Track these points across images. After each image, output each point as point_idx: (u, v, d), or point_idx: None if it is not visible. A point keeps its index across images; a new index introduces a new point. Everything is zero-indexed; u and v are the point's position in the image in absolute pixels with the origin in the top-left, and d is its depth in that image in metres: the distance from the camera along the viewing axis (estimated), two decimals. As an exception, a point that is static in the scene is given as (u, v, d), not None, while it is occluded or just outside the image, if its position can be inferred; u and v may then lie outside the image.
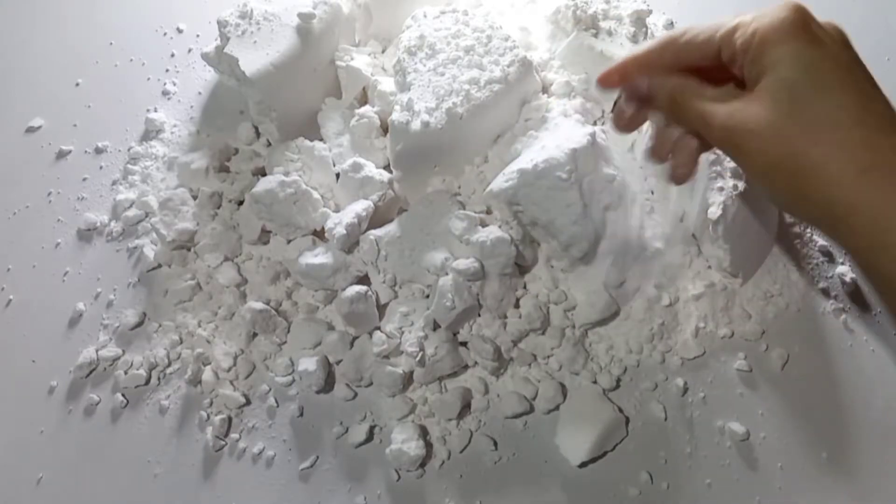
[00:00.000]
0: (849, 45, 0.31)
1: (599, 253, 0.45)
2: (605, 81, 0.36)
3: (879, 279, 0.29)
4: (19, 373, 0.47)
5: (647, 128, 0.43)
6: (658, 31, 0.62)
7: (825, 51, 0.30)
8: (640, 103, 0.35)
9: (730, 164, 0.45)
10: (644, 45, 0.35)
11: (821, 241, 0.51)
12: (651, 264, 0.47)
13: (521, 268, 0.46)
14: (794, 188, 0.29)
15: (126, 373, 0.46)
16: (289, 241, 0.48)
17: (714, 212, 0.44)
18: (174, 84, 0.59)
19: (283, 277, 0.48)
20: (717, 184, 0.45)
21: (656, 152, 0.37)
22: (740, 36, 0.30)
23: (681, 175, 0.37)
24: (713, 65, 0.32)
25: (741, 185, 0.45)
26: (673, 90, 0.33)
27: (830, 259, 0.51)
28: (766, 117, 0.29)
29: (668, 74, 0.33)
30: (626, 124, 0.36)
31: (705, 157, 0.44)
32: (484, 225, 0.45)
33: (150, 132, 0.56)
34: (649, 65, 0.34)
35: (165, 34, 0.62)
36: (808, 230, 0.51)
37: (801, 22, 0.30)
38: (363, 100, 0.53)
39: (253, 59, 0.47)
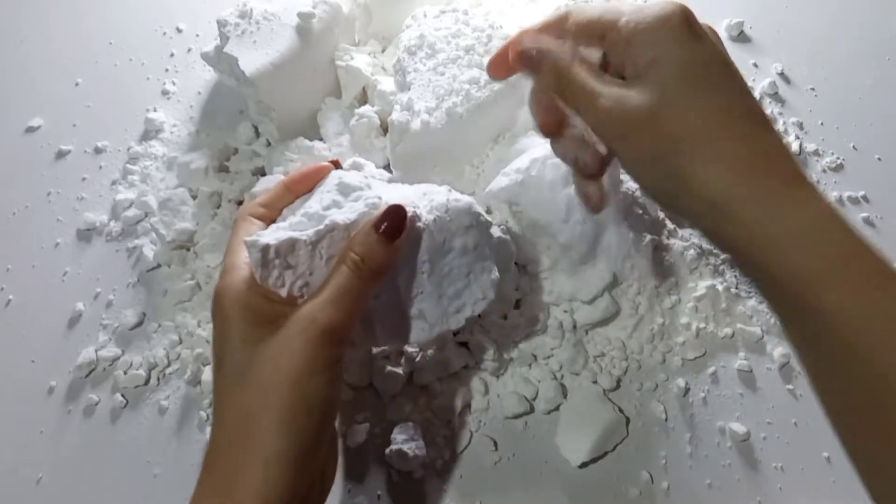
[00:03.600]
0: (723, 46, 0.31)
1: (599, 253, 0.45)
2: (494, 69, 0.36)
3: (760, 272, 0.28)
4: (19, 373, 0.47)
5: None
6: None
7: (706, 48, 0.30)
8: (530, 70, 0.34)
9: None
10: (536, 21, 0.35)
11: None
12: (651, 263, 0.47)
13: (521, 267, 0.46)
14: (675, 182, 0.29)
15: (125, 373, 0.46)
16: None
17: None
18: (174, 84, 0.59)
19: (283, 277, 0.48)
20: None
21: (545, 126, 0.35)
22: (624, 26, 0.30)
23: (595, 206, 0.37)
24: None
25: None
26: (560, 58, 0.32)
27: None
28: (651, 109, 0.29)
29: (559, 42, 0.33)
30: (547, 122, 0.35)
31: None
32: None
33: (150, 132, 0.56)
34: (538, 37, 0.34)
35: (165, 34, 0.62)
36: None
37: (685, 19, 0.30)
38: (363, 99, 0.53)
39: (252, 59, 0.47)
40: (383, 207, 0.33)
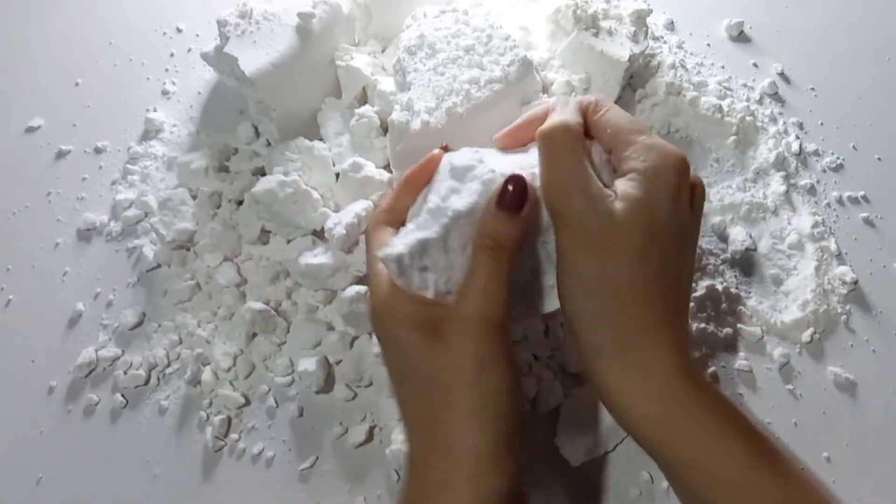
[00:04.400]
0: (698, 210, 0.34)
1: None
2: (504, 142, 0.37)
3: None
4: (19, 373, 0.47)
5: None
6: (658, 31, 0.62)
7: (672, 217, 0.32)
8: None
9: None
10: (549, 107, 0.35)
11: (822, 243, 0.51)
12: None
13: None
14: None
15: (125, 373, 0.46)
16: (288, 241, 0.48)
17: None
18: (174, 84, 0.59)
19: (283, 277, 0.48)
20: None
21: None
22: (634, 155, 0.32)
23: None
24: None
25: None
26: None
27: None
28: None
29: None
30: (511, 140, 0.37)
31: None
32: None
33: (150, 132, 0.56)
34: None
35: (165, 34, 0.62)
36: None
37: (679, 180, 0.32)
38: (363, 99, 0.53)
39: (252, 59, 0.47)
40: (500, 181, 0.32)
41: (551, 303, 0.35)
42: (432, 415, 0.31)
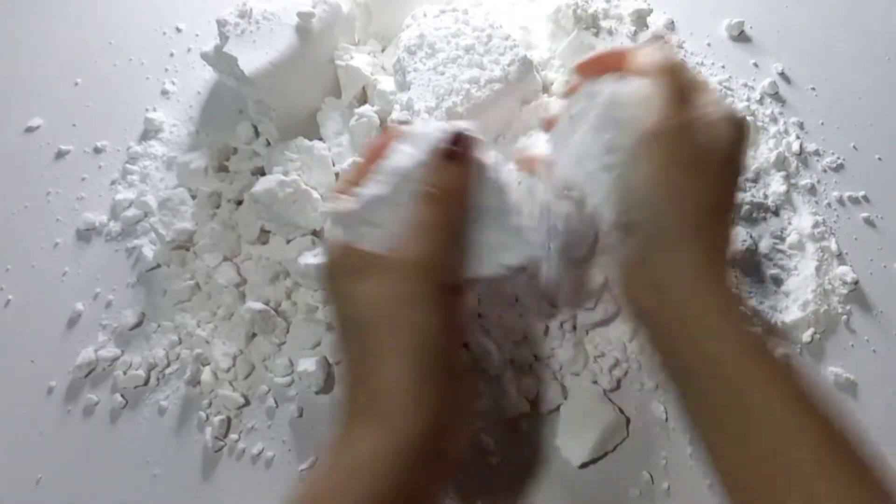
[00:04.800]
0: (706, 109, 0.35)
1: (598, 252, 0.45)
2: (584, 69, 0.38)
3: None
4: (18, 373, 0.47)
5: None
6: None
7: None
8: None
9: None
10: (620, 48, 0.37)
11: (822, 243, 0.51)
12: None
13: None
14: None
15: (125, 373, 0.46)
16: (288, 241, 0.48)
17: None
18: (173, 83, 0.59)
19: (283, 277, 0.48)
20: None
21: None
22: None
23: None
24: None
25: None
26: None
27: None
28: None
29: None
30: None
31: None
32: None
33: (149, 132, 0.56)
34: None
35: (164, 34, 0.62)
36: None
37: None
38: (363, 99, 0.53)
39: (252, 59, 0.47)
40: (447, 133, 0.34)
41: (511, 256, 0.35)
42: (362, 355, 0.32)
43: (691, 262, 0.31)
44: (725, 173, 0.33)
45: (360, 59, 0.52)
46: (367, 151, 0.38)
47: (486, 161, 0.35)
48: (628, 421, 0.45)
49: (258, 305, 0.46)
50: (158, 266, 0.50)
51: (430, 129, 0.35)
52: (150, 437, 0.45)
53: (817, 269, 0.50)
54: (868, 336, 0.48)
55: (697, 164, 0.32)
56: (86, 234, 0.52)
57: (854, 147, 0.57)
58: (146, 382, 0.46)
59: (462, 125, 0.34)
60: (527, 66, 0.46)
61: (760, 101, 0.59)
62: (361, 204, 0.33)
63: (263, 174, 0.51)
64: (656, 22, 0.62)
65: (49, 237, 0.52)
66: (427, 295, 0.31)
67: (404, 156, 0.34)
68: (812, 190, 0.55)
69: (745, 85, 0.60)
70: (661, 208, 0.32)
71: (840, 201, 0.55)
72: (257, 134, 0.53)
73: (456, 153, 0.33)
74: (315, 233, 0.48)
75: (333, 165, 0.49)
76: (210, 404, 0.45)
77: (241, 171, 0.52)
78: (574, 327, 0.46)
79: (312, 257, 0.45)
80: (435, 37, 0.46)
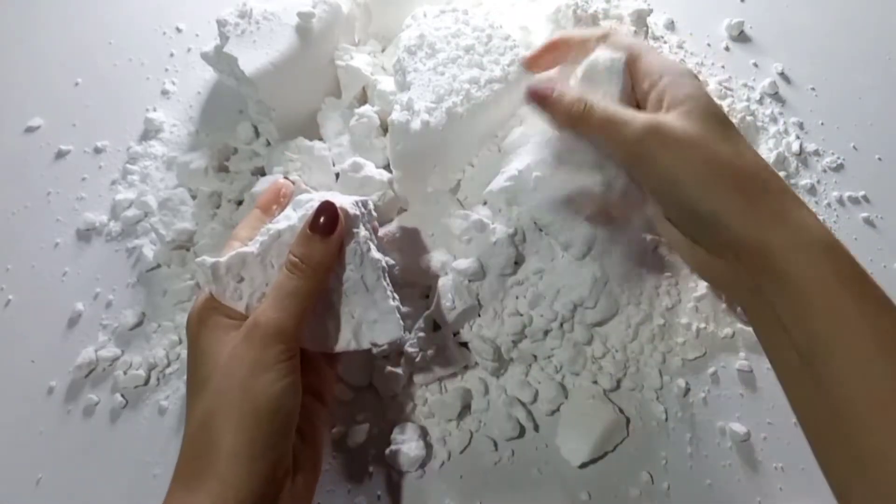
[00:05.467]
0: None
1: (594, 251, 0.45)
2: (531, 64, 0.42)
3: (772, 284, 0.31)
4: (18, 373, 0.47)
5: None
6: (658, 31, 0.62)
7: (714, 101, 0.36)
8: (541, 105, 0.37)
9: None
10: (574, 32, 0.40)
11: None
12: (653, 263, 0.47)
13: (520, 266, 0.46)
14: (707, 196, 0.32)
15: (125, 373, 0.46)
16: (288, 241, 0.48)
17: None
18: (173, 84, 0.59)
19: (283, 277, 0.48)
20: None
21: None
22: (659, 64, 0.36)
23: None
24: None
25: None
26: (581, 94, 0.35)
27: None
28: (694, 132, 0.33)
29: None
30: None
31: None
32: (484, 224, 0.45)
33: (150, 132, 0.56)
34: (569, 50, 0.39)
35: (164, 34, 0.62)
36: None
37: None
38: (363, 99, 0.53)
39: (252, 59, 0.47)
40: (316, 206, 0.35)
41: (381, 334, 0.36)
42: (205, 415, 0.31)
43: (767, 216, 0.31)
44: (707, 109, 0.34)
45: (360, 59, 0.52)
46: (260, 201, 0.40)
47: (363, 238, 0.36)
48: (628, 421, 0.45)
49: (258, 305, 0.46)
50: (158, 266, 0.50)
51: (315, 197, 0.36)
52: (150, 437, 0.45)
53: (817, 269, 0.50)
54: (868, 336, 0.48)
55: (698, 133, 0.33)
56: (86, 234, 0.52)
57: (854, 147, 0.57)
58: (146, 382, 0.46)
59: (346, 200, 0.36)
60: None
61: (760, 101, 0.59)
62: (229, 258, 0.34)
63: (263, 174, 0.51)
64: (656, 22, 0.62)
65: (49, 237, 0.52)
66: (272, 360, 0.32)
67: (284, 219, 0.36)
68: (812, 190, 0.55)
69: (745, 85, 0.60)
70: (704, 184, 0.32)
71: (840, 201, 0.55)
72: (257, 134, 0.53)
73: (321, 227, 0.34)
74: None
75: (333, 165, 0.49)
76: (210, 404, 0.45)
77: (241, 172, 0.52)
78: (574, 327, 0.46)
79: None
80: (435, 37, 0.46)
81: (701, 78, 0.58)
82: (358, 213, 0.36)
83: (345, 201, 0.36)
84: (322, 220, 0.34)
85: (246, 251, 0.35)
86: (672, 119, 0.33)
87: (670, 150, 0.33)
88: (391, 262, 0.40)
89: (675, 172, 0.33)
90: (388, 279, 0.37)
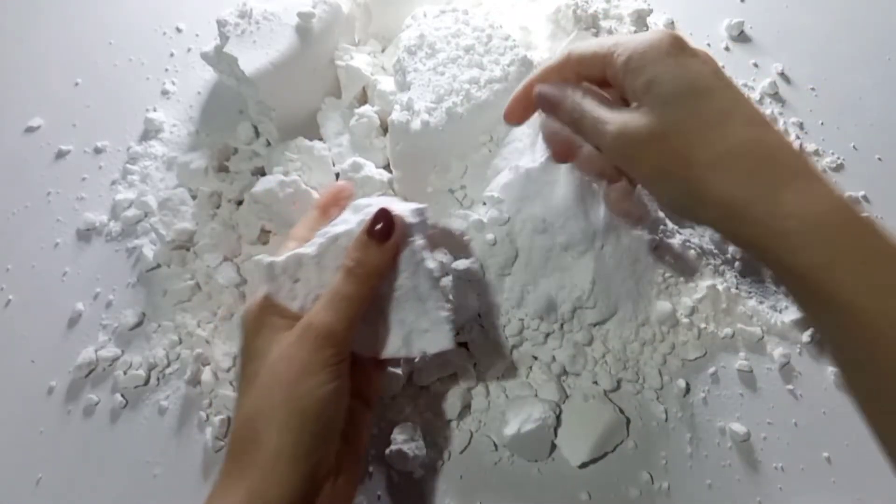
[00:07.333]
0: (716, 64, 0.32)
1: (594, 251, 0.45)
2: (511, 116, 0.38)
3: (780, 268, 0.29)
4: (19, 373, 0.47)
5: None
6: (658, 31, 0.62)
7: (696, 63, 0.31)
8: (548, 111, 0.36)
9: None
10: (541, 66, 0.36)
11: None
12: (653, 263, 0.47)
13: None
14: (687, 194, 0.30)
15: (125, 373, 0.46)
16: (288, 241, 0.48)
17: None
18: (173, 84, 0.59)
19: (283, 277, 0.48)
20: None
21: (557, 154, 0.38)
22: (619, 56, 0.32)
23: (634, 219, 0.40)
24: (602, 81, 0.34)
25: None
26: (574, 97, 0.34)
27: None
28: (652, 128, 0.30)
29: (570, 84, 0.35)
30: (559, 150, 0.37)
31: None
32: (484, 224, 0.45)
33: (150, 132, 0.56)
34: (549, 80, 0.36)
35: (164, 34, 0.62)
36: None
37: (676, 41, 0.31)
38: (363, 99, 0.53)
39: (252, 59, 0.47)
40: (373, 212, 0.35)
41: (431, 343, 0.36)
42: (252, 412, 0.32)
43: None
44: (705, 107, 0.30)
45: (360, 59, 0.52)
46: (320, 202, 0.40)
47: (419, 246, 0.36)
48: (628, 421, 0.45)
49: (258, 305, 0.46)
50: (159, 266, 0.50)
51: (374, 203, 0.37)
52: (150, 437, 0.45)
53: (817, 269, 0.50)
54: (868, 336, 0.48)
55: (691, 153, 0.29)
56: (86, 234, 0.52)
57: (854, 147, 0.57)
58: (146, 382, 0.46)
59: (404, 208, 0.36)
60: (527, 66, 0.46)
61: (760, 102, 0.59)
62: (286, 258, 0.35)
63: (264, 174, 0.51)
64: (656, 22, 0.62)
65: (49, 237, 0.52)
66: (322, 363, 0.32)
67: (342, 223, 0.36)
68: (812, 190, 0.55)
69: (745, 85, 0.60)
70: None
71: (840, 201, 0.55)
72: (257, 134, 0.53)
73: (377, 234, 0.34)
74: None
75: (333, 165, 0.49)
76: (210, 404, 0.45)
77: (241, 172, 0.52)
78: (574, 327, 0.46)
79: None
80: (435, 37, 0.46)
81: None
82: (415, 221, 0.36)
83: (403, 208, 0.36)
84: (379, 226, 0.34)
85: (303, 252, 0.35)
86: (636, 118, 0.30)
87: (634, 153, 0.31)
88: (445, 272, 0.40)
89: (641, 175, 0.32)
90: (440, 289, 0.37)
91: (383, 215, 0.35)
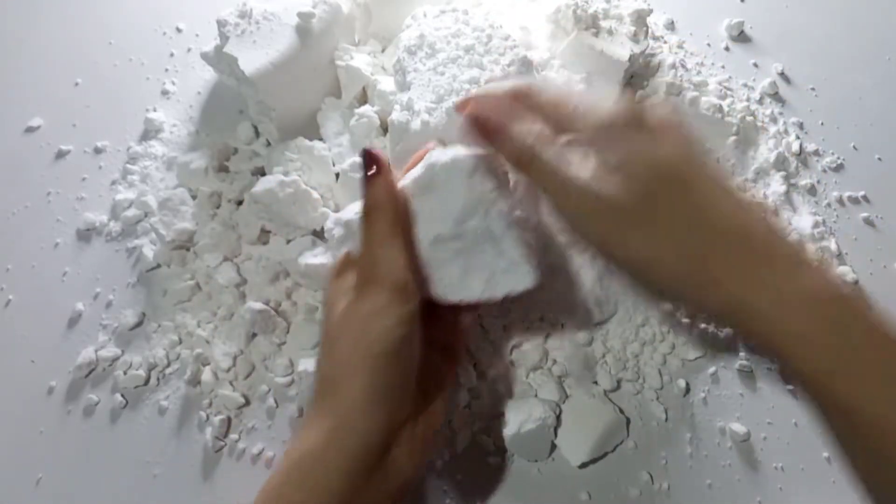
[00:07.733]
0: (686, 128, 0.31)
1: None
2: (461, 108, 0.35)
3: (784, 366, 0.29)
4: (18, 373, 0.47)
5: None
6: (658, 31, 0.62)
7: (671, 146, 0.30)
8: (483, 136, 0.33)
9: None
10: (504, 83, 0.34)
11: (822, 243, 0.51)
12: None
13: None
14: (685, 285, 0.29)
15: (125, 373, 0.46)
16: (288, 241, 0.48)
17: None
18: (173, 84, 0.59)
19: (283, 277, 0.48)
20: None
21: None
22: (583, 120, 0.31)
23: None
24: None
25: None
26: (530, 137, 0.31)
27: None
28: (635, 212, 0.28)
29: (526, 117, 0.32)
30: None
31: None
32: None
33: (150, 132, 0.56)
34: (493, 104, 0.34)
35: (164, 34, 0.62)
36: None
37: (636, 119, 0.30)
38: (363, 99, 0.53)
39: (252, 59, 0.47)
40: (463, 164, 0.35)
41: (512, 283, 0.36)
42: (328, 361, 0.34)
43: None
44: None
45: (360, 60, 0.52)
46: (407, 166, 0.40)
47: (488, 188, 0.35)
48: (628, 421, 0.45)
49: (258, 305, 0.46)
50: (159, 266, 0.50)
51: (443, 154, 0.36)
52: (150, 437, 0.45)
53: (817, 269, 0.50)
54: (868, 336, 0.48)
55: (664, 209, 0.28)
56: (86, 234, 0.52)
57: (854, 147, 0.57)
58: (146, 382, 0.46)
59: (457, 152, 0.35)
60: (527, 66, 0.46)
61: (760, 102, 0.59)
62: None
63: (264, 174, 0.51)
64: (656, 22, 0.62)
65: (49, 237, 0.52)
66: (385, 308, 0.32)
67: (408, 178, 0.37)
68: (812, 190, 0.55)
69: (745, 85, 0.60)
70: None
71: (840, 201, 0.55)
72: (257, 134, 0.53)
73: (366, 173, 0.35)
74: (315, 233, 0.48)
75: (333, 166, 0.49)
76: (210, 404, 0.45)
77: (241, 172, 0.52)
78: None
79: (313, 257, 0.45)
80: (435, 37, 0.46)
81: (700, 78, 0.58)
82: (469, 164, 0.35)
83: (456, 153, 0.35)
84: (365, 163, 0.35)
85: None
86: (609, 189, 0.29)
87: (601, 229, 0.30)
88: (520, 213, 0.38)
89: (609, 256, 0.31)
90: (514, 228, 0.36)
91: (365, 153, 0.35)
